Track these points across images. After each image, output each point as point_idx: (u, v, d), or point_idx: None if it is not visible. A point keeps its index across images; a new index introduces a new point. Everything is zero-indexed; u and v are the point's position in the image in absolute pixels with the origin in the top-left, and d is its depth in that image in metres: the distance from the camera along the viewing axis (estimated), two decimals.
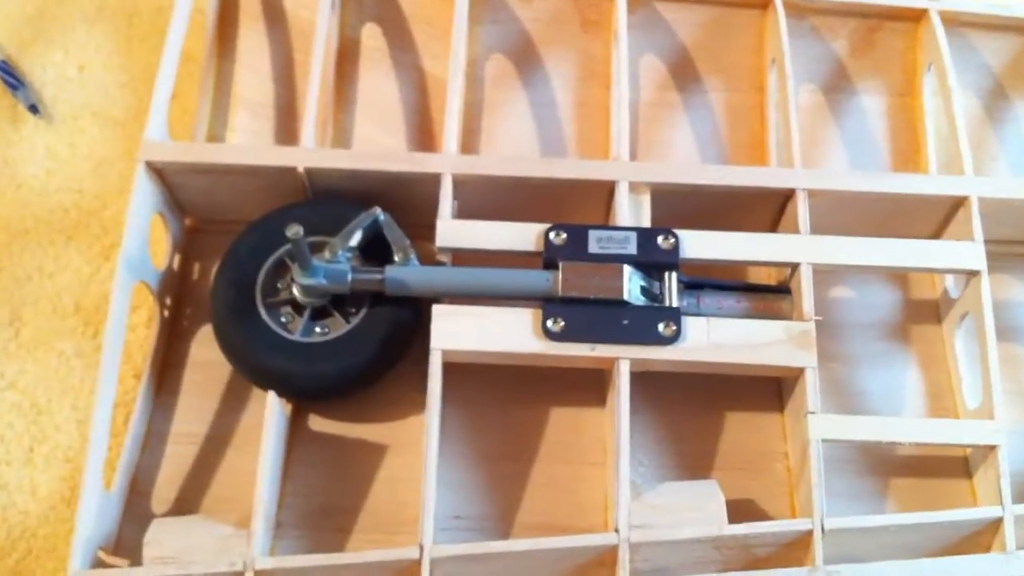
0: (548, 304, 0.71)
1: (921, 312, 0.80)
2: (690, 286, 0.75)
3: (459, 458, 0.74)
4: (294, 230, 0.68)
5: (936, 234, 0.80)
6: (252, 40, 0.89)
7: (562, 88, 0.88)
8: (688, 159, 0.86)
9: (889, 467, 0.74)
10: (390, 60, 0.89)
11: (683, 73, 0.88)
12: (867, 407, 0.77)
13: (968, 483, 0.74)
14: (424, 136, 0.86)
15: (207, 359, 0.76)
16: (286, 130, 0.86)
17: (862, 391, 0.77)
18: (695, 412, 0.76)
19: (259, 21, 0.89)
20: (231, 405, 0.76)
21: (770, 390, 0.76)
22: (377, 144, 0.86)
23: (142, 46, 0.94)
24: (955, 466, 0.74)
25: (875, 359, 0.78)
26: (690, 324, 0.71)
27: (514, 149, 0.86)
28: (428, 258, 0.74)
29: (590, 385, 0.76)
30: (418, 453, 0.69)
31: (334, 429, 0.75)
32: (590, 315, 0.71)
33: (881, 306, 0.81)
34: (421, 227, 0.77)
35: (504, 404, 0.76)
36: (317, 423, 0.76)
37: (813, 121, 0.87)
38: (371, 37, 0.89)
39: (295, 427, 0.75)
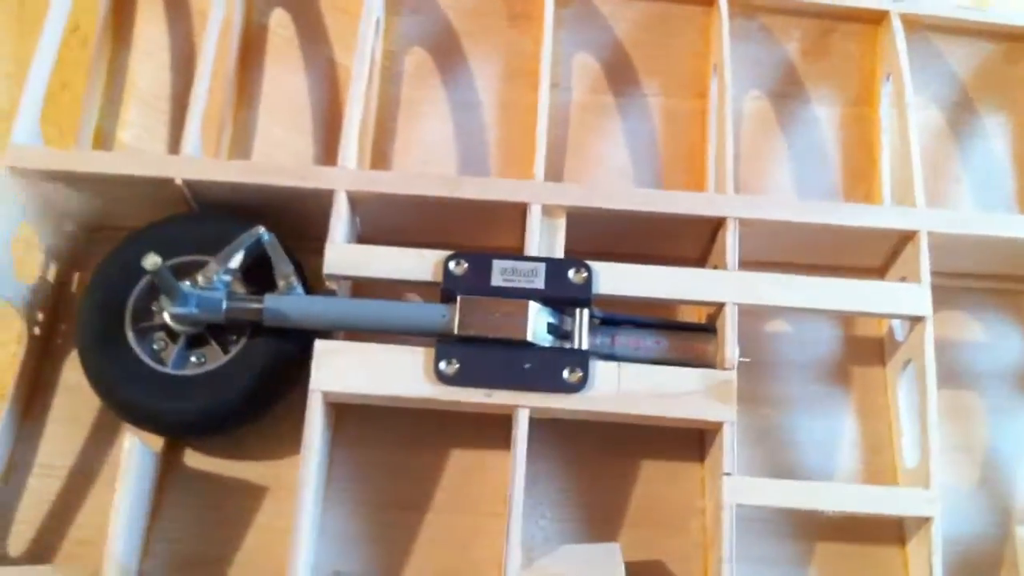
0: (442, 343, 0.64)
1: (864, 351, 0.73)
2: (605, 322, 0.67)
3: (343, 505, 0.68)
4: (151, 261, 0.61)
5: (884, 266, 0.73)
6: (150, 25, 0.81)
7: (486, 87, 0.80)
8: (619, 171, 0.78)
9: (814, 529, 0.67)
10: (300, 52, 0.81)
11: (619, 74, 0.80)
12: (799, 459, 0.70)
13: (901, 551, 0.67)
14: (334, 137, 0.78)
15: (79, 383, 0.69)
16: (181, 126, 0.78)
17: (795, 440, 0.71)
18: (607, 459, 0.69)
19: (158, 4, 0.81)
20: (102, 436, 0.70)
21: (691, 437, 0.70)
22: (282, 145, 0.79)
23: (34, 31, 0.86)
24: (888, 530, 0.67)
25: (812, 404, 0.72)
26: (599, 370, 0.64)
27: (430, 154, 0.78)
28: (319, 271, 0.67)
29: (495, 423, 0.69)
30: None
31: (211, 466, 0.69)
32: (488, 357, 0.64)
33: (820, 343, 0.74)
34: (317, 241, 0.70)
35: (398, 445, 0.70)
36: (193, 459, 0.69)
37: (757, 131, 0.79)
38: (280, 26, 0.81)
39: (169, 462, 0.69)
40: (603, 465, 0.69)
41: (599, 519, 0.68)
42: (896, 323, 0.72)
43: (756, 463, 0.66)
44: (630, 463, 0.69)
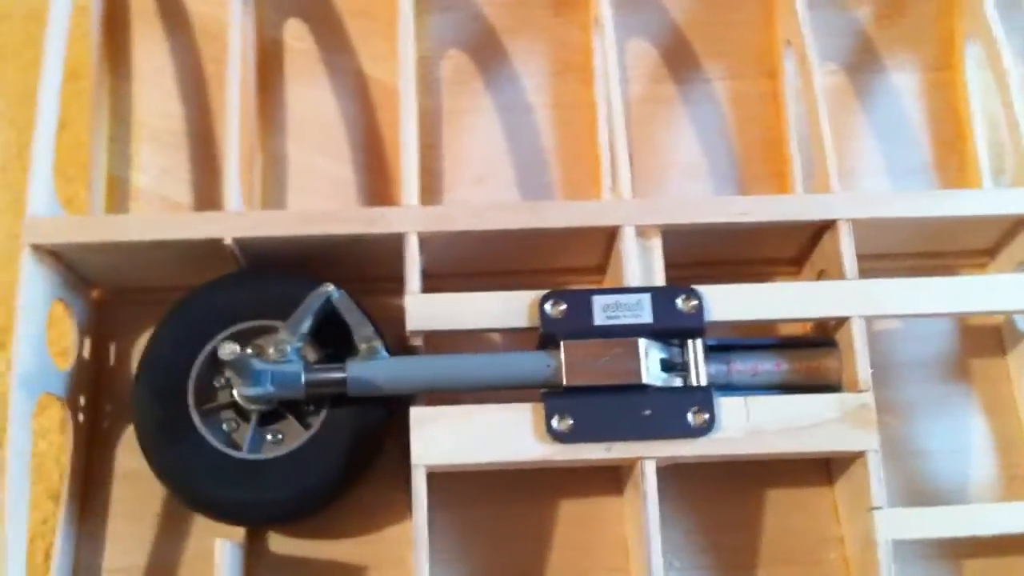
0: (551, 397, 0.58)
1: (982, 342, 0.68)
2: (716, 348, 0.62)
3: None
4: (228, 351, 0.54)
5: (995, 248, 0.68)
6: (149, 50, 0.72)
7: (534, 87, 0.73)
8: (691, 167, 0.71)
9: (960, 548, 0.63)
10: (323, 66, 0.73)
11: (678, 59, 0.73)
12: (929, 471, 0.65)
13: None
14: (374, 159, 0.71)
15: (137, 468, 0.62)
16: (203, 163, 0.71)
17: (922, 450, 0.66)
18: (729, 495, 0.64)
19: (155, 24, 0.73)
20: (173, 527, 0.63)
21: (816, 460, 0.64)
22: (319, 175, 0.71)
23: (15, 62, 0.76)
24: None
25: (934, 407, 0.67)
26: (724, 408, 0.58)
27: (484, 168, 0.71)
28: (392, 312, 0.61)
29: (603, 469, 0.63)
30: (406, 574, 0.57)
31: (301, 549, 0.63)
32: (603, 407, 0.58)
33: (934, 337, 0.68)
34: (382, 281, 0.63)
35: (499, 501, 0.63)
36: (279, 543, 0.63)
37: (837, 108, 0.72)
38: (295, 38, 0.73)
39: (252, 552, 0.62)
40: (725, 500, 0.64)
41: (731, 561, 0.63)
42: None
43: (886, 478, 0.61)
44: (754, 495, 0.64)
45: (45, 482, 0.65)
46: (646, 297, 0.60)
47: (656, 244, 0.62)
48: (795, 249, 0.67)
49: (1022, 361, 0.66)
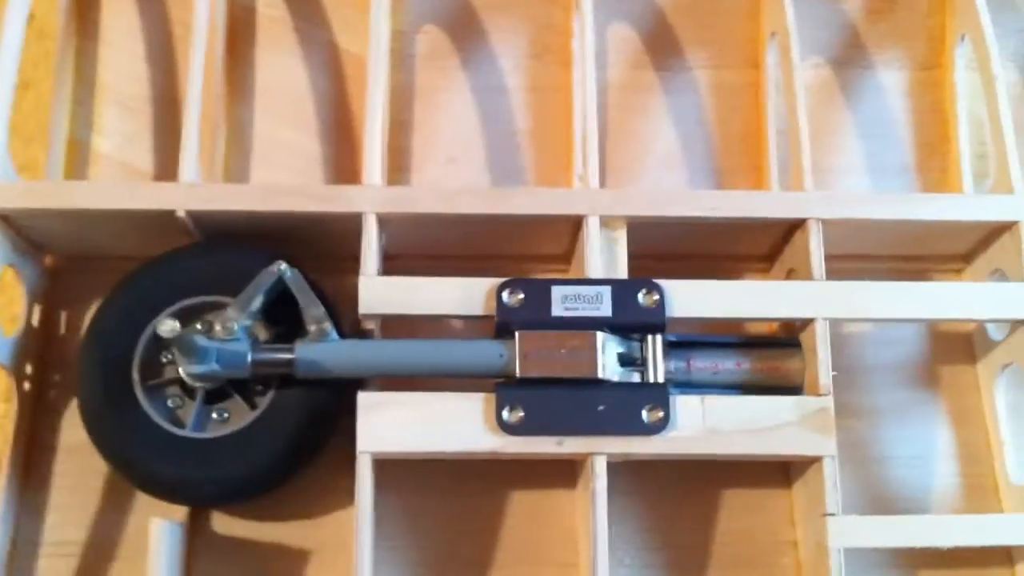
0: (503, 388, 0.57)
1: (952, 349, 0.66)
2: (677, 345, 0.60)
3: (396, 567, 0.61)
4: (168, 327, 0.52)
5: (971, 254, 0.66)
6: (118, 12, 0.71)
7: (511, 68, 0.71)
8: (668, 156, 0.70)
9: (916, 558, 0.61)
10: (295, 35, 0.71)
11: (661, 46, 0.71)
12: (890, 477, 0.64)
13: (1010, 572, 0.61)
14: (344, 134, 0.70)
15: (82, 441, 0.60)
16: (168, 131, 0.69)
17: (885, 456, 0.64)
18: (685, 493, 0.63)
19: None
20: (116, 503, 0.62)
21: (774, 463, 0.63)
22: (284, 146, 0.69)
23: None
24: (996, 555, 0.61)
25: (899, 413, 0.65)
26: (680, 406, 0.57)
27: (455, 149, 0.69)
28: (352, 293, 0.59)
29: (556, 462, 0.62)
30: (349, 560, 0.56)
31: (244, 531, 0.61)
32: (556, 400, 0.57)
33: (904, 342, 0.67)
34: (343, 259, 0.62)
35: (450, 491, 0.62)
36: (223, 523, 0.61)
37: (820, 103, 0.71)
38: (269, 5, 0.71)
39: (195, 531, 0.61)
40: (680, 499, 0.62)
41: (683, 561, 0.61)
42: None
43: (846, 484, 0.60)
44: (710, 494, 0.63)
45: None
46: (606, 290, 0.58)
47: (621, 236, 0.61)
48: (766, 247, 0.65)
49: (991, 370, 0.64)
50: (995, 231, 0.63)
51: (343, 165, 0.69)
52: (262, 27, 0.71)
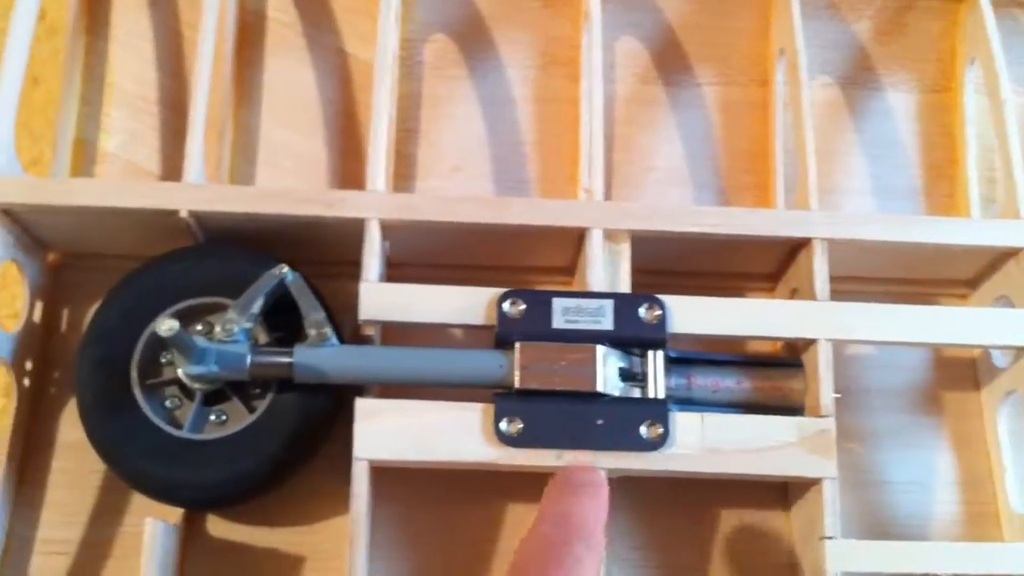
0: (501, 399, 0.56)
1: (956, 374, 0.66)
2: (677, 361, 0.60)
3: (391, 574, 0.60)
4: (167, 327, 0.52)
5: (976, 279, 0.66)
6: (128, 11, 0.71)
7: (519, 79, 0.71)
8: (673, 172, 0.70)
9: None
10: (304, 41, 0.71)
11: (669, 62, 0.71)
12: (889, 502, 0.63)
13: None
14: (351, 140, 0.70)
15: (80, 440, 0.59)
16: (175, 132, 0.69)
17: (883, 481, 0.64)
18: (682, 512, 0.62)
19: None
20: (111, 502, 0.61)
21: (772, 483, 0.62)
22: (289, 149, 0.69)
23: None
24: None
25: (900, 437, 0.65)
26: (680, 423, 0.57)
27: (460, 158, 0.69)
28: (353, 299, 0.59)
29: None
30: (342, 567, 0.55)
31: (239, 534, 0.61)
32: (555, 412, 0.56)
33: (907, 366, 0.66)
34: (342, 264, 0.62)
35: (444, 501, 0.62)
36: (217, 527, 0.61)
37: (828, 124, 0.70)
38: (279, 11, 0.71)
39: (189, 533, 0.61)
40: (678, 517, 0.62)
41: None
42: None
43: (844, 507, 0.59)
44: (707, 513, 0.62)
45: None
46: (608, 303, 0.58)
47: (624, 249, 0.60)
48: (771, 265, 0.65)
49: (995, 397, 0.64)
50: (1001, 257, 0.62)
51: (348, 171, 0.69)
52: (271, 32, 0.71)
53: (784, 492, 0.62)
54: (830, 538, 0.56)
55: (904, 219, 0.62)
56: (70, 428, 0.62)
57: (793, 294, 0.63)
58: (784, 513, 0.62)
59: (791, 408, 0.59)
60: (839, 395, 0.58)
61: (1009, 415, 0.63)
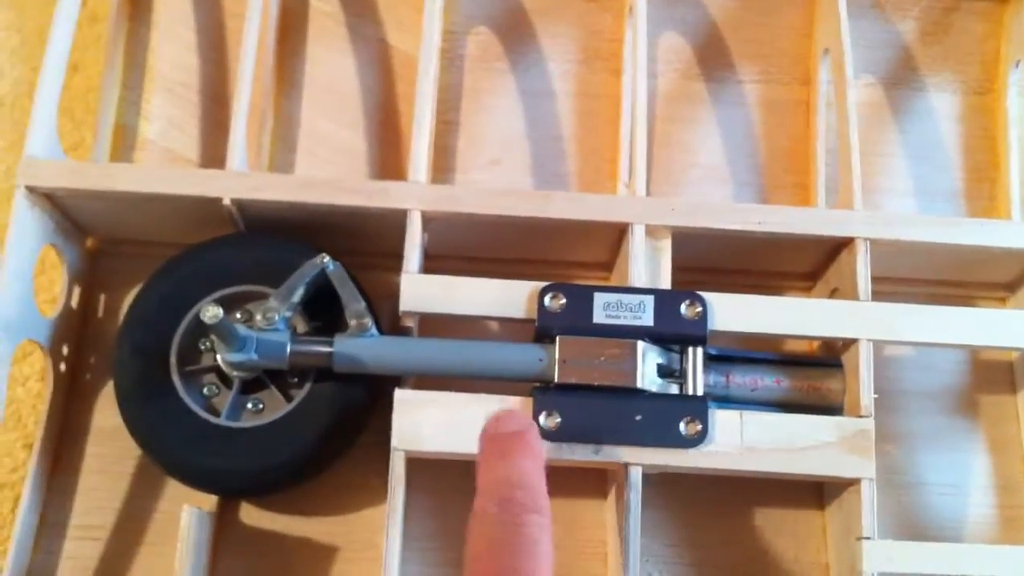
0: (540, 393, 0.56)
1: (993, 377, 0.66)
2: (716, 359, 0.60)
3: (425, 567, 0.60)
4: (212, 314, 0.52)
5: (1015, 282, 0.65)
6: None
7: (560, 73, 0.71)
8: (713, 169, 0.69)
9: None
10: (346, 31, 0.71)
11: (712, 58, 0.71)
12: (924, 504, 0.63)
13: None
14: (390, 131, 0.69)
15: (115, 425, 0.60)
16: (215, 120, 0.69)
17: (919, 482, 0.63)
18: (717, 510, 0.62)
19: None
20: (145, 489, 0.62)
21: (808, 482, 0.62)
22: (329, 140, 0.69)
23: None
24: None
25: (936, 439, 0.64)
26: (719, 421, 0.56)
27: (499, 152, 0.69)
28: (391, 290, 0.59)
29: (588, 471, 0.61)
30: (377, 558, 0.55)
31: (271, 523, 0.61)
32: (594, 407, 0.56)
33: (944, 369, 0.66)
34: (382, 256, 0.61)
35: None
36: (250, 515, 0.61)
37: (869, 123, 0.70)
38: (323, 1, 0.71)
39: (222, 521, 0.61)
40: (713, 515, 0.62)
41: None
42: None
43: (880, 508, 0.59)
44: (742, 512, 0.62)
45: (20, 430, 0.63)
46: (649, 299, 0.58)
47: (666, 245, 0.60)
48: (810, 264, 0.64)
49: None
50: None
51: (387, 162, 0.69)
52: (314, 21, 0.71)
53: (819, 491, 0.62)
54: (867, 538, 0.55)
55: (946, 221, 0.62)
56: (106, 414, 0.63)
57: (833, 294, 0.63)
58: (819, 512, 0.62)
59: (829, 408, 0.59)
60: (876, 396, 0.58)
61: None
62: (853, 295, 0.59)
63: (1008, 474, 0.64)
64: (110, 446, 0.62)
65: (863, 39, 0.69)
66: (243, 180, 0.60)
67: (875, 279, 0.60)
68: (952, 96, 0.71)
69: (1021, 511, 0.63)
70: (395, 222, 0.60)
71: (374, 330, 0.57)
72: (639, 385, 0.56)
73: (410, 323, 0.59)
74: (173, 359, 0.58)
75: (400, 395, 0.56)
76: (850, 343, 0.59)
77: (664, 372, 0.58)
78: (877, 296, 0.59)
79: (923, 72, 0.71)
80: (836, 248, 0.62)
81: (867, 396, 0.57)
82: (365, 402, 0.59)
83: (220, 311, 0.52)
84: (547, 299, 0.57)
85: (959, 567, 0.56)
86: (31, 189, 0.59)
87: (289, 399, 0.59)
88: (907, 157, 0.69)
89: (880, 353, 0.65)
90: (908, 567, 0.55)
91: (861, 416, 0.57)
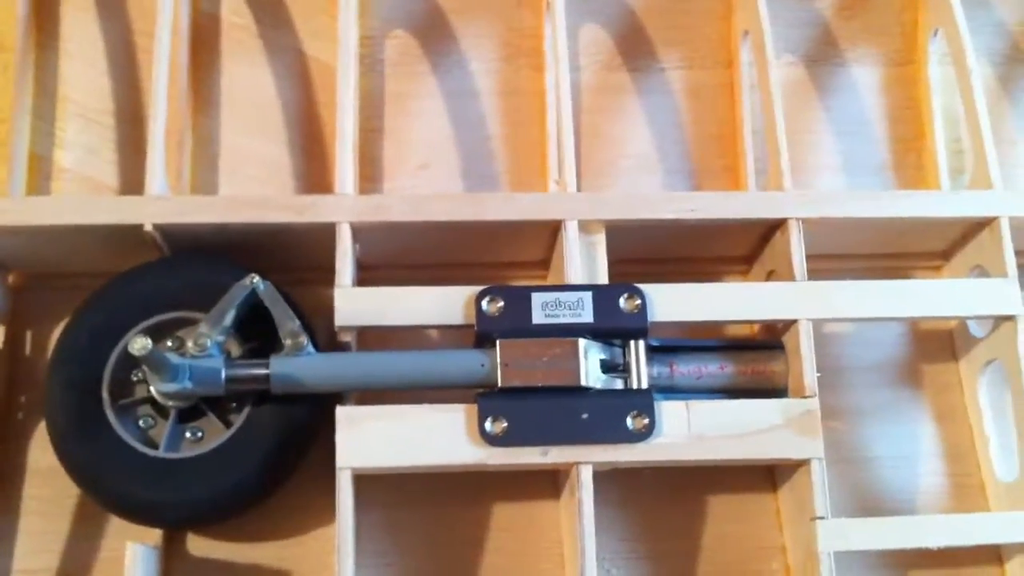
0: (484, 399, 0.55)
1: (933, 347, 0.66)
2: (659, 350, 0.59)
3: None
4: (140, 345, 0.50)
5: (950, 251, 0.66)
6: (78, 21, 0.69)
7: (483, 72, 0.70)
8: (643, 158, 0.69)
9: (906, 558, 0.61)
10: (261, 43, 0.70)
11: (634, 47, 0.71)
12: (876, 478, 0.63)
13: (1000, 571, 0.61)
14: (313, 143, 0.68)
15: (51, 464, 0.58)
16: (132, 144, 0.67)
17: (869, 457, 0.64)
18: (670, 500, 0.62)
19: None
20: (88, 527, 0.60)
21: (759, 466, 0.62)
22: (251, 157, 0.68)
23: None
24: (985, 553, 0.61)
25: (883, 412, 0.65)
26: (665, 412, 0.56)
27: (427, 156, 0.68)
28: (326, 305, 0.58)
29: (540, 472, 0.61)
30: None
31: (221, 552, 0.60)
32: (540, 409, 0.55)
33: (884, 341, 0.66)
34: (314, 270, 0.60)
35: (433, 504, 0.61)
36: (198, 546, 0.60)
37: (794, 102, 0.70)
38: (234, 13, 0.70)
39: (170, 554, 0.59)
40: (666, 506, 0.62)
41: (671, 570, 0.60)
42: None
43: (831, 486, 0.59)
44: (695, 501, 0.62)
45: None
46: (587, 295, 0.57)
47: (600, 240, 0.60)
48: (745, 248, 0.64)
49: (974, 367, 0.64)
50: (974, 227, 0.62)
51: (313, 175, 0.68)
52: (227, 35, 0.69)
53: (770, 475, 0.62)
54: (821, 518, 0.55)
55: (876, 195, 0.62)
56: (41, 453, 0.61)
57: (770, 276, 0.63)
58: (771, 496, 0.62)
59: (774, 390, 0.59)
60: (819, 374, 0.58)
61: (989, 385, 0.63)
62: (789, 276, 0.59)
63: (956, 441, 0.64)
64: (49, 486, 0.60)
65: (782, 18, 0.69)
66: (164, 204, 0.58)
67: (810, 257, 0.60)
68: (874, 69, 0.71)
69: (972, 478, 0.63)
70: (325, 236, 0.59)
71: (310, 348, 0.56)
72: (583, 383, 0.56)
73: (347, 338, 0.58)
74: (105, 393, 0.57)
75: (342, 412, 0.55)
76: (789, 324, 0.59)
77: (608, 367, 0.57)
78: (814, 274, 0.59)
79: (844, 47, 0.71)
80: (770, 230, 0.62)
81: (810, 376, 0.57)
82: (307, 422, 0.57)
83: (148, 342, 0.51)
84: (485, 303, 0.57)
85: (914, 539, 0.56)
86: None
87: (229, 425, 0.57)
88: (834, 133, 0.70)
89: (820, 331, 0.65)
90: (864, 544, 0.56)
91: (806, 396, 0.57)
